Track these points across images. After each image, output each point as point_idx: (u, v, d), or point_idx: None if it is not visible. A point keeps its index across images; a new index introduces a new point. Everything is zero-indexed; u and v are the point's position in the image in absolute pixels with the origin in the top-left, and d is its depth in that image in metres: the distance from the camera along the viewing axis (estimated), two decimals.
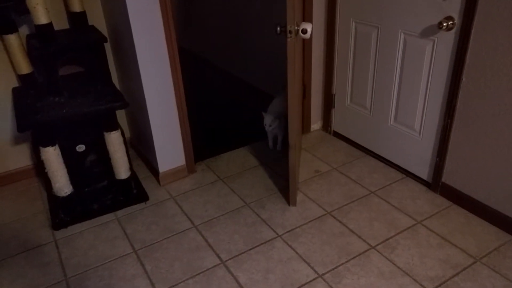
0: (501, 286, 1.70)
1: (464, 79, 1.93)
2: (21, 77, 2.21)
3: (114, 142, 2.12)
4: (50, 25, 1.98)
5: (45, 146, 1.98)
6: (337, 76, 2.68)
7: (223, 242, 1.99)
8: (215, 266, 1.86)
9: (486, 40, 1.80)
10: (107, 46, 2.43)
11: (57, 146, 2.02)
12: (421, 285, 1.72)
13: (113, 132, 2.10)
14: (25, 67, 2.16)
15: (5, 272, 1.88)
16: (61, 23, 2.30)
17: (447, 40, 1.96)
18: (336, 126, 2.83)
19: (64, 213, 2.14)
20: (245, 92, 3.76)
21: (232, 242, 1.99)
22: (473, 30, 1.83)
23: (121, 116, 2.63)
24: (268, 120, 2.55)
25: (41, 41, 1.99)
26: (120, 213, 2.22)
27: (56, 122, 1.96)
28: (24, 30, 2.22)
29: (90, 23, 2.32)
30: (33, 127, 2.01)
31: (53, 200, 2.17)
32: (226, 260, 1.89)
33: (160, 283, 1.79)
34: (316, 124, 2.91)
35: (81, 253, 1.96)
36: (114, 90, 2.18)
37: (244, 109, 3.47)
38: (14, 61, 2.16)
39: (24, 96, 2.15)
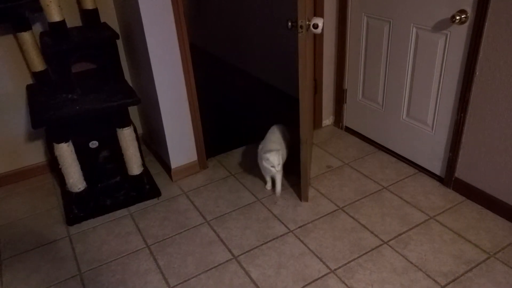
0: None
1: (477, 73, 1.91)
2: (35, 75, 2.24)
3: (127, 138, 2.14)
4: (63, 22, 2.00)
5: (59, 142, 2.01)
6: (348, 71, 2.66)
7: (235, 238, 2.00)
8: (227, 261, 1.87)
9: (500, 33, 1.77)
10: (119, 43, 2.45)
11: (70, 142, 2.05)
12: (434, 280, 1.71)
13: (126, 128, 2.12)
14: (39, 65, 2.18)
15: (20, 267, 1.91)
16: (73, 21, 2.32)
17: (460, 34, 1.93)
18: (347, 121, 2.81)
19: (78, 208, 2.17)
20: (257, 88, 3.76)
21: (244, 237, 1.99)
22: (486, 24, 1.80)
23: (133, 112, 2.65)
24: (276, 158, 2.09)
25: (54, 38, 2.01)
26: (133, 208, 2.24)
27: (69, 119, 1.98)
28: (37, 28, 2.25)
29: (102, 20, 2.33)
30: (47, 124, 2.04)
31: (67, 196, 2.20)
32: (238, 255, 1.89)
33: (173, 278, 1.80)
34: (327, 120, 2.90)
35: (95, 248, 1.99)
36: (126, 87, 2.20)
37: (255, 105, 3.47)
38: (28, 59, 2.19)
39: (38, 93, 2.17)
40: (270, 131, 2.36)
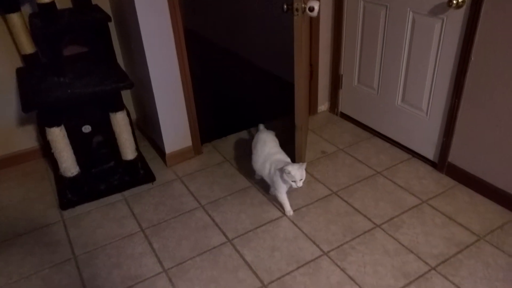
0: (503, 263, 1.71)
1: (472, 59, 1.91)
2: (25, 57, 2.20)
3: (120, 122, 2.12)
4: (53, 3, 1.96)
5: (51, 126, 1.99)
6: (344, 56, 2.65)
7: (229, 221, 2.01)
8: (221, 244, 1.88)
9: (496, 18, 1.77)
10: (111, 26, 2.41)
11: (63, 126, 2.03)
12: (425, 262, 1.74)
13: (119, 112, 2.10)
14: (28, 47, 2.14)
15: (14, 251, 1.91)
16: (64, 2, 2.27)
17: (456, 19, 1.93)
18: (343, 107, 2.81)
19: (72, 193, 2.16)
20: (252, 73, 3.73)
21: (239, 221, 2.00)
22: (483, 8, 1.80)
23: (127, 97, 2.62)
24: (298, 173, 1.85)
25: (44, 20, 1.97)
26: (127, 193, 2.23)
27: (61, 103, 1.95)
28: (27, 9, 2.20)
29: (94, 2, 2.29)
30: (38, 108, 2.01)
31: (60, 180, 2.18)
32: (233, 239, 1.91)
33: (168, 261, 1.81)
34: (323, 106, 2.90)
35: (89, 232, 1.99)
36: (119, 71, 2.17)
37: (250, 90, 3.46)
38: (17, 41, 2.15)
39: (29, 76, 2.14)
40: (259, 141, 2.13)
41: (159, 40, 2.10)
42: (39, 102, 1.92)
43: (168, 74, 2.21)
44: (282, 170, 1.89)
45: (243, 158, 2.48)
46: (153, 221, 2.03)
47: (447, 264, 1.72)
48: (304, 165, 1.88)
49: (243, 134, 2.72)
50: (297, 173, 1.85)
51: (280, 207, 2.07)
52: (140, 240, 1.93)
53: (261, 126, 2.31)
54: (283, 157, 2.03)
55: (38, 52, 2.19)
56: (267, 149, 2.07)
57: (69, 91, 1.96)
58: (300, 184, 1.88)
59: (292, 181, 1.87)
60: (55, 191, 2.27)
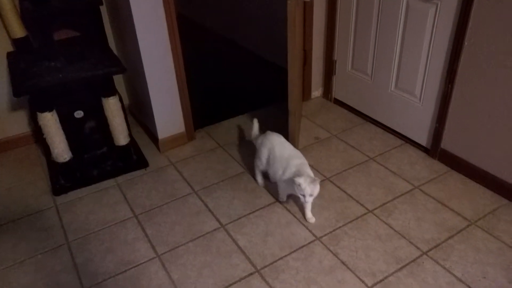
0: (494, 248, 1.73)
1: (466, 44, 1.90)
2: (15, 41, 2.16)
3: (112, 107, 2.10)
4: None
5: (42, 111, 1.97)
6: (338, 41, 2.63)
7: (222, 207, 2.01)
8: (215, 230, 1.89)
9: (490, 2, 1.76)
10: (103, 10, 2.37)
11: (54, 111, 2.01)
12: (416, 247, 1.76)
13: (111, 97, 2.08)
14: (19, 31, 2.11)
15: (7, 237, 1.91)
16: None
17: (450, 3, 1.91)
18: (336, 93, 2.80)
19: (64, 179, 2.15)
20: (246, 59, 3.70)
21: (232, 207, 2.01)
22: None
23: (119, 83, 2.59)
24: (309, 189, 1.72)
25: (35, 3, 1.93)
26: (120, 179, 2.23)
27: (52, 88, 1.93)
28: None
29: None
30: (29, 92, 1.99)
31: (53, 166, 2.17)
32: (226, 224, 1.91)
33: (161, 246, 1.82)
34: (316, 92, 2.89)
35: (82, 218, 1.99)
36: (111, 55, 2.15)
37: (244, 77, 3.43)
38: (7, 25, 2.11)
39: (20, 60, 2.11)
40: (276, 144, 1.94)
41: (151, 24, 2.08)
42: (30, 86, 1.90)
43: (161, 59, 2.18)
44: (293, 180, 1.73)
45: (237, 144, 2.47)
46: (146, 207, 2.03)
47: (438, 249, 1.74)
48: (317, 181, 1.71)
49: (236, 120, 2.71)
50: (307, 188, 1.70)
51: (274, 193, 2.07)
52: (133, 226, 1.93)
53: (269, 132, 2.09)
54: (299, 162, 1.85)
55: (29, 36, 2.16)
56: (287, 152, 1.92)
57: (60, 75, 1.94)
58: (308, 200, 1.74)
59: (301, 194, 1.74)
60: (47, 177, 2.26)
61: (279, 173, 1.89)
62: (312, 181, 1.71)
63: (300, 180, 1.70)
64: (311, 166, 2.24)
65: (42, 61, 2.01)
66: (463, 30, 1.88)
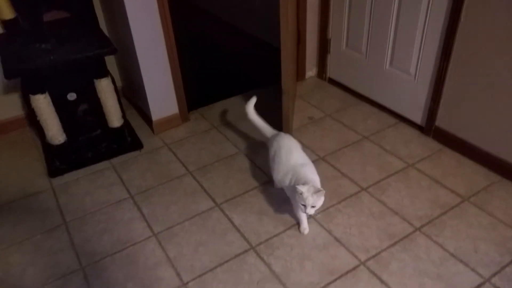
0: (486, 223, 1.75)
1: (462, 20, 1.88)
2: (4, 23, 2.12)
3: (105, 89, 2.09)
4: None
5: (35, 93, 1.96)
6: (332, 19, 2.60)
7: (217, 187, 2.02)
8: (210, 209, 1.90)
9: None
10: None
11: (47, 94, 1.99)
12: (409, 223, 1.78)
13: (103, 79, 2.06)
14: (7, 12, 2.06)
15: (5, 218, 1.92)
16: None
17: None
18: (331, 72, 2.79)
19: (60, 161, 2.16)
20: (240, 39, 3.67)
21: (227, 186, 2.02)
22: None
23: (112, 65, 2.57)
24: (311, 199, 1.54)
25: None
26: (115, 161, 2.23)
27: (43, 70, 1.91)
28: None
29: None
30: (20, 75, 1.97)
31: (48, 148, 2.17)
32: (221, 203, 1.93)
33: (157, 225, 1.84)
34: (311, 71, 2.87)
35: (79, 199, 2.00)
36: (102, 36, 2.12)
37: (238, 57, 3.40)
38: None
39: (10, 42, 2.08)
40: (282, 147, 1.79)
41: (142, 5, 2.05)
42: (21, 69, 1.88)
43: (153, 40, 2.16)
44: (295, 188, 1.57)
45: (231, 125, 2.47)
46: (142, 188, 2.04)
47: (431, 225, 1.76)
48: (321, 192, 1.54)
49: (231, 101, 2.70)
50: (310, 198, 1.52)
51: (268, 172, 2.07)
52: (129, 206, 1.94)
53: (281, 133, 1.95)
54: (309, 170, 1.71)
55: (18, 17, 2.12)
56: (294, 158, 1.75)
57: (51, 57, 1.92)
58: (309, 211, 1.56)
59: (302, 204, 1.57)
60: (43, 160, 2.26)
61: (288, 181, 1.71)
62: (316, 191, 1.53)
63: (303, 189, 1.53)
64: (305, 146, 2.25)
65: (33, 43, 1.99)
66: (459, 5, 1.86)
